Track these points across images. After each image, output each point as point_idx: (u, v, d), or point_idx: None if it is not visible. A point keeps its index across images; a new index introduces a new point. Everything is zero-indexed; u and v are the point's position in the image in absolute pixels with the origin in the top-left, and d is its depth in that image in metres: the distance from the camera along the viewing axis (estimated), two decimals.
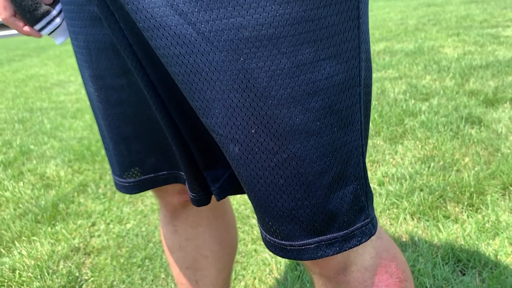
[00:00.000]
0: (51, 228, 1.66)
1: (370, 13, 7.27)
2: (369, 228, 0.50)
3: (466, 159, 1.76)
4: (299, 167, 0.46)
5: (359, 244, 0.50)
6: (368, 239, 0.50)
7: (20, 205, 1.86)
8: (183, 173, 0.66)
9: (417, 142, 1.97)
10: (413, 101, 2.47)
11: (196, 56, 0.43)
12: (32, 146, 2.55)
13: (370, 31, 5.15)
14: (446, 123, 2.12)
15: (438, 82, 2.80)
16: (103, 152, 2.32)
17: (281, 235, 0.50)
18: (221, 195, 0.64)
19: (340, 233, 0.49)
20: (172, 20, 0.43)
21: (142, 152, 0.67)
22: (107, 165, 2.16)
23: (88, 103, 2.96)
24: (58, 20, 0.66)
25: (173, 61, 0.45)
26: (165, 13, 0.42)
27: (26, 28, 0.67)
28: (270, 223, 0.50)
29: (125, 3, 0.45)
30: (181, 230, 0.85)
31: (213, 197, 0.76)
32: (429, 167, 1.73)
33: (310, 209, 0.47)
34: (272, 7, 0.40)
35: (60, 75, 4.88)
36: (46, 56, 6.97)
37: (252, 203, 0.51)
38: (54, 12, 0.66)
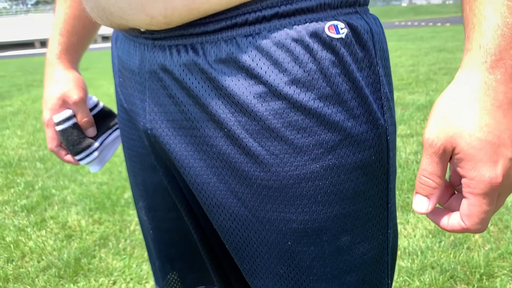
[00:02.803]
0: (74, 285, 1.73)
1: None
2: None
3: (476, 235, 1.82)
4: None
5: None
6: None
7: (44, 257, 1.93)
8: None
9: None
10: None
11: (250, 232, 0.52)
12: (53, 190, 2.64)
13: None
14: None
15: None
16: (122, 202, 2.40)
17: None
18: None
19: None
20: (231, 202, 0.52)
21: (184, 269, 0.75)
22: (126, 217, 2.24)
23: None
24: (96, 153, 0.76)
25: (227, 232, 0.53)
26: (226, 196, 0.52)
27: (68, 157, 0.77)
28: None
29: (189, 183, 0.54)
30: None
31: None
32: (440, 242, 1.79)
33: None
34: (317, 208, 0.49)
35: None
36: None
37: None
38: (96, 145, 0.76)
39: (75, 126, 0.73)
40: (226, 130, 0.49)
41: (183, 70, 0.49)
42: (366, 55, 0.48)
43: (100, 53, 12.45)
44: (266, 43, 0.45)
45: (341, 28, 0.46)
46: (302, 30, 0.45)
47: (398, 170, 2.45)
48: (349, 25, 0.47)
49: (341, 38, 0.46)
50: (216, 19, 0.47)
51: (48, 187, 2.71)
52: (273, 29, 0.46)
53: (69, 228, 2.18)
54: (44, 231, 2.17)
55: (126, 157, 0.70)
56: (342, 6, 0.48)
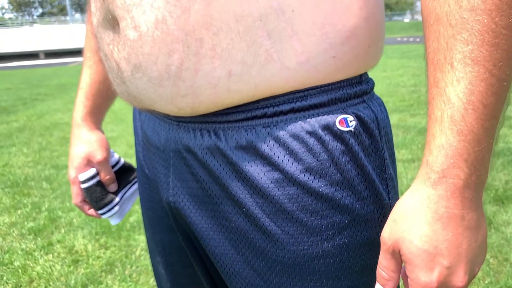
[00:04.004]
0: None
1: (383, 74, 7.51)
2: None
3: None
4: None
5: None
6: None
7: (51, 283, 1.96)
8: None
9: None
10: None
11: None
12: (60, 212, 2.68)
13: (384, 98, 5.33)
14: None
15: None
16: (128, 226, 2.44)
17: None
18: None
19: None
20: (248, 273, 0.56)
21: None
22: (132, 242, 2.28)
23: None
24: (116, 208, 0.81)
25: None
26: (242, 267, 0.56)
27: (91, 211, 0.82)
28: None
29: (208, 252, 0.58)
30: None
31: None
32: None
33: None
34: (328, 282, 0.54)
35: None
36: (69, 98, 7.23)
37: None
38: (116, 200, 0.81)
39: (99, 183, 0.78)
40: (244, 209, 0.53)
41: (206, 153, 0.54)
42: (372, 142, 0.53)
43: None
44: (283, 134, 0.50)
45: (350, 121, 0.51)
46: (315, 123, 0.50)
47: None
48: (357, 117, 0.52)
49: (350, 130, 0.51)
50: (238, 111, 0.52)
51: (54, 208, 2.75)
52: (289, 122, 0.51)
53: (76, 253, 2.22)
54: (51, 255, 2.21)
55: (144, 215, 0.75)
56: (350, 98, 0.53)
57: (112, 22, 0.52)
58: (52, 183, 3.22)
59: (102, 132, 0.83)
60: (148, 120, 0.63)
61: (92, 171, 0.77)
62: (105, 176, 0.79)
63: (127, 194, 0.84)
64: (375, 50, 0.55)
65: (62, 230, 2.46)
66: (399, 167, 2.99)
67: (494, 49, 0.39)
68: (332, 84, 0.52)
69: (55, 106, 6.52)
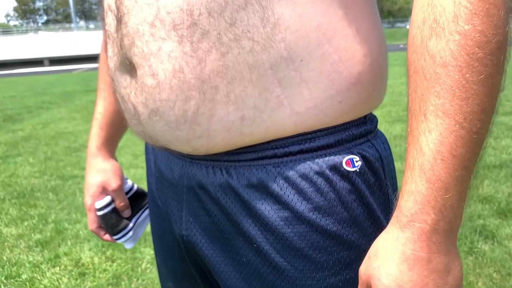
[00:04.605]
0: None
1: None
2: None
3: (479, 283, 1.87)
4: None
5: None
6: None
7: None
8: None
9: None
10: None
11: None
12: (66, 224, 2.71)
13: (387, 108, 5.35)
14: (460, 236, 2.24)
15: None
16: None
17: None
18: None
19: None
20: None
21: None
22: (138, 255, 2.30)
23: None
24: (131, 233, 0.84)
25: None
26: None
27: (107, 237, 0.85)
28: None
29: (220, 283, 0.61)
30: None
31: None
32: None
33: None
34: None
35: (89, 134, 5.11)
36: (73, 106, 7.28)
37: None
38: (130, 225, 0.84)
39: (114, 210, 0.81)
40: (255, 245, 0.56)
41: (218, 190, 0.57)
42: (377, 180, 0.56)
43: None
44: (292, 174, 0.53)
45: (356, 161, 0.54)
46: (323, 164, 0.53)
47: None
48: (363, 157, 0.54)
49: (356, 170, 0.53)
50: (249, 151, 0.54)
51: (61, 220, 2.78)
52: (298, 162, 0.53)
53: (83, 266, 2.24)
54: (58, 268, 2.23)
55: (155, 241, 0.78)
56: (356, 138, 0.56)
57: (129, 68, 0.55)
58: (58, 194, 3.25)
59: (116, 160, 0.86)
60: (162, 155, 0.66)
61: (108, 199, 0.80)
62: (120, 203, 0.82)
63: (140, 219, 0.86)
64: (378, 93, 0.58)
65: (69, 242, 2.49)
66: (400, 179, 3.00)
67: (464, 103, 0.41)
68: (338, 126, 0.54)
69: (60, 115, 6.57)
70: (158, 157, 0.68)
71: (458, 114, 0.41)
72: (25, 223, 2.77)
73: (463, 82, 0.41)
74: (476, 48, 0.40)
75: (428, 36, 0.43)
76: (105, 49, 0.62)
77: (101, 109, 0.82)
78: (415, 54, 0.45)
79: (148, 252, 2.31)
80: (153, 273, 2.13)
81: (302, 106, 0.51)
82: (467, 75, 0.41)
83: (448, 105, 0.42)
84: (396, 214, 0.46)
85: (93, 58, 19.57)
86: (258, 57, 0.49)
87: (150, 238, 2.38)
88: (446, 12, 0.41)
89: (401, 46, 17.51)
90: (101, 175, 0.81)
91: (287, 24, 0.49)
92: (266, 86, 0.50)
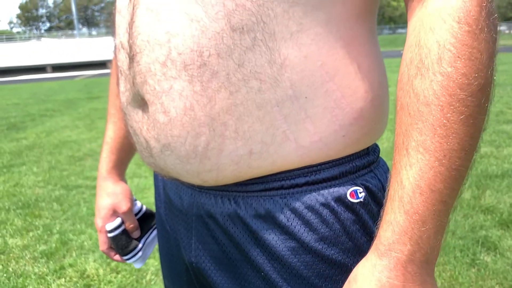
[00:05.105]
0: None
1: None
2: None
3: None
4: None
5: None
6: None
7: None
8: None
9: (436, 268, 2.09)
10: None
11: None
12: (71, 235, 2.73)
13: (389, 116, 5.35)
14: (463, 247, 2.25)
15: None
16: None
17: None
18: None
19: None
20: None
21: None
22: (143, 266, 2.31)
23: None
24: (140, 253, 0.87)
25: None
26: None
27: (117, 257, 0.87)
28: None
29: None
30: None
31: None
32: None
33: None
34: None
35: (92, 143, 5.15)
36: (76, 114, 7.32)
37: None
38: (140, 246, 0.87)
39: (124, 232, 0.84)
40: (263, 273, 0.58)
41: (227, 220, 0.59)
42: (380, 209, 0.58)
43: None
44: (298, 205, 0.55)
45: (360, 193, 0.56)
46: (328, 195, 0.55)
47: None
48: (366, 188, 0.57)
49: (360, 201, 0.56)
50: (257, 182, 0.57)
51: (65, 231, 2.80)
52: (304, 194, 0.56)
53: (88, 277, 2.26)
54: (63, 279, 2.25)
55: (163, 265, 0.80)
56: (359, 170, 0.58)
57: (141, 104, 0.57)
58: (63, 204, 3.27)
59: (126, 182, 0.88)
60: (171, 183, 0.68)
61: (118, 221, 0.83)
62: (130, 225, 0.84)
63: (149, 239, 0.89)
64: (380, 126, 0.60)
65: (74, 254, 2.51)
66: None
67: (444, 141, 0.43)
68: (342, 158, 0.57)
69: (63, 123, 6.60)
70: (168, 184, 0.70)
71: (438, 151, 0.44)
72: (30, 234, 2.79)
73: (444, 121, 0.43)
74: (458, 90, 0.43)
75: (414, 75, 0.46)
76: (117, 82, 0.64)
77: (111, 134, 0.84)
78: (402, 91, 0.47)
79: (152, 264, 2.33)
80: (158, 285, 2.15)
81: (307, 140, 0.54)
82: (448, 114, 0.43)
83: (429, 142, 0.44)
84: (375, 242, 0.48)
85: (95, 65, 19.68)
86: (265, 96, 0.51)
87: (154, 250, 2.40)
88: (431, 54, 0.44)
89: (402, 52, 17.55)
90: (111, 198, 0.83)
91: (293, 64, 0.51)
92: (273, 122, 0.52)
